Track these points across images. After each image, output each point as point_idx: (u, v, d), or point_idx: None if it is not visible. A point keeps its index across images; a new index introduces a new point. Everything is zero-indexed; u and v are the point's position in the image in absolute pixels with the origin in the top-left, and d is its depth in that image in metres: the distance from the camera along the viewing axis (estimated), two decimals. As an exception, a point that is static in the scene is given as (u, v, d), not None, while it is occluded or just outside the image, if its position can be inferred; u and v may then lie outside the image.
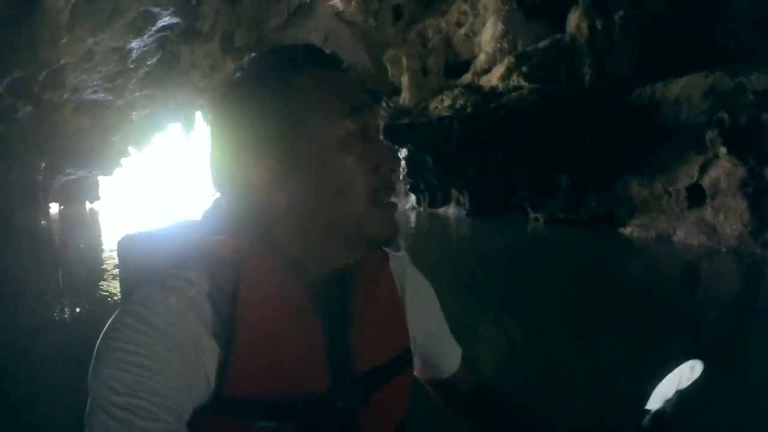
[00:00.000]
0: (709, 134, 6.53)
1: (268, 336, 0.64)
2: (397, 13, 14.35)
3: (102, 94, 8.70)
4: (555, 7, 11.45)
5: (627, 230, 7.92)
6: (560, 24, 11.48)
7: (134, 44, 9.22)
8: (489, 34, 12.39)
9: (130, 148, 11.07)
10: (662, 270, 6.30)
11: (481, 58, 12.36)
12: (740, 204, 6.23)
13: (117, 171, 11.03)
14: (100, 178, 10.80)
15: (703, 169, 6.92)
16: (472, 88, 11.84)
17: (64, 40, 7.53)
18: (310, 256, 0.68)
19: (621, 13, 10.59)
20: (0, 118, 7.48)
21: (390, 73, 13.44)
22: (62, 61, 8.01)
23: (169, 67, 10.19)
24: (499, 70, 11.60)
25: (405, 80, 13.31)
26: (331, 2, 12.43)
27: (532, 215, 9.59)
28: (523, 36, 11.89)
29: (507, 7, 12.07)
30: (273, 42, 11.81)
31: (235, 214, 0.69)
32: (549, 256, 7.23)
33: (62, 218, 9.76)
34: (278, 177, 0.65)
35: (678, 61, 8.80)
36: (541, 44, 11.37)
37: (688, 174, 7.14)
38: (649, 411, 0.78)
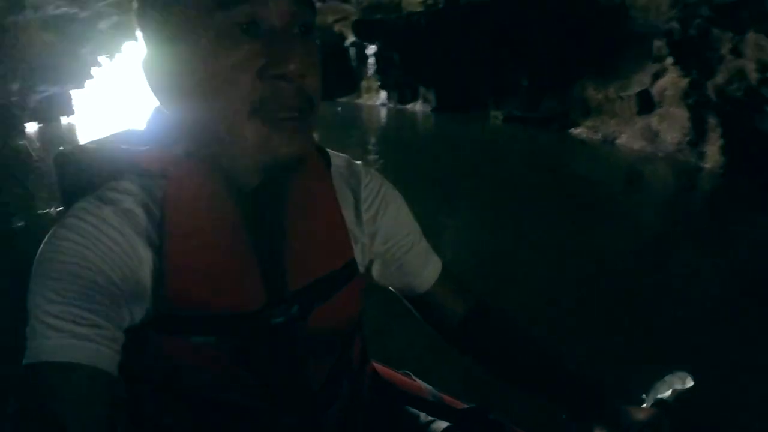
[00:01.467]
0: (657, 43, 6.84)
1: (198, 250, 0.63)
2: None
3: (65, 9, 8.51)
4: None
5: (577, 131, 8.37)
6: None
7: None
8: None
9: (101, 59, 10.96)
10: (605, 169, 6.96)
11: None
12: (682, 114, 6.67)
13: (89, 83, 10.99)
14: (73, 92, 10.77)
15: (655, 77, 7.25)
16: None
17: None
18: (227, 165, 0.64)
19: None
20: None
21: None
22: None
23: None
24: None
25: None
26: None
27: (492, 112, 10.02)
28: None
29: None
30: None
31: (166, 121, 0.67)
32: (503, 152, 7.98)
33: (41, 136, 9.95)
34: (159, 66, 0.62)
35: None
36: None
37: (640, 81, 7.47)
38: (647, 396, 0.81)
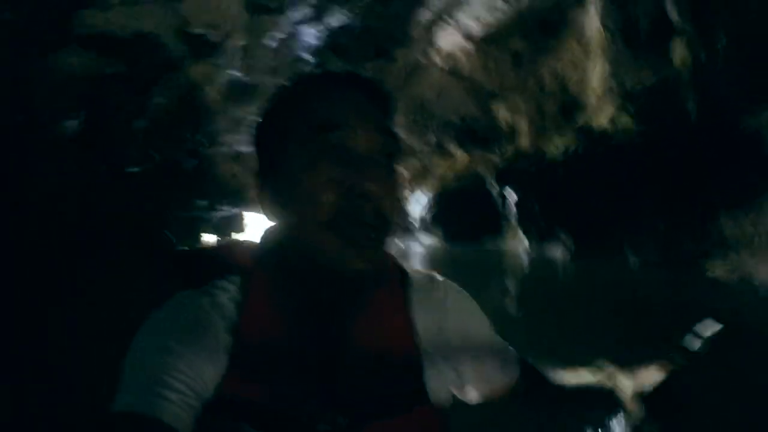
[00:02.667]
0: None
1: (264, 342, 0.67)
2: (516, 59, 15.01)
3: (243, 147, 10.94)
4: (663, 40, 11.28)
5: (715, 272, 7.71)
6: (669, 58, 11.26)
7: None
8: (598, 74, 12.53)
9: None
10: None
11: (593, 101, 12.53)
12: None
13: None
14: (246, 213, 12.98)
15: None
16: (584, 131, 12.04)
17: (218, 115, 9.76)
18: (305, 272, 0.70)
19: (723, 38, 10.12)
20: (172, 167, 9.73)
21: (503, 120, 14.04)
22: (216, 126, 10.29)
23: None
24: (608, 111, 11.71)
25: (521, 124, 13.84)
26: (444, 61, 13.60)
27: (631, 258, 9.56)
28: (630, 74, 11.87)
29: (614, 46, 12.16)
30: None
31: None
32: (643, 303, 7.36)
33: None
34: (264, 188, 0.74)
35: None
36: (648, 82, 11.29)
37: None
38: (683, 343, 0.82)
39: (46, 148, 5.77)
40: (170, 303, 0.69)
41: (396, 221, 0.70)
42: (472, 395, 0.86)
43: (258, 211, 13.11)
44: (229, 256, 0.74)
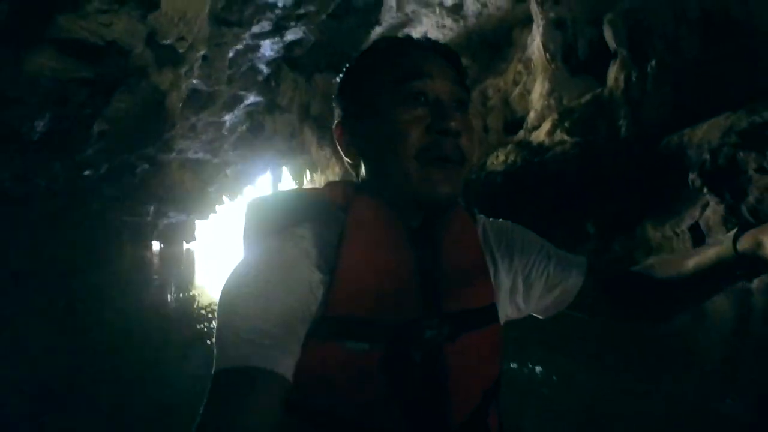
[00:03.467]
0: (691, 176, 7.28)
1: (366, 265, 0.75)
2: (462, 76, 15.79)
3: (201, 154, 11.01)
4: (599, 62, 12.35)
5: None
6: (604, 78, 12.32)
7: (227, 117, 11.55)
8: (538, 92, 13.50)
9: (224, 197, 13.41)
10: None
11: (531, 115, 13.46)
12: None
13: (212, 216, 13.28)
14: (198, 222, 13.01)
15: (703, 209, 7.60)
16: (523, 145, 12.90)
17: (177, 123, 9.87)
18: (397, 201, 0.78)
19: (653, 62, 11.22)
20: (126, 173, 9.71)
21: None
22: (172, 133, 10.32)
23: (257, 132, 12.48)
24: (546, 126, 12.63)
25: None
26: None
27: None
28: (568, 92, 12.87)
29: (553, 65, 13.16)
30: None
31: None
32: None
33: (162, 255, 11.83)
34: (351, 130, 0.82)
35: (715, 103, 9.00)
36: (583, 99, 12.29)
37: (691, 215, 7.81)
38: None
39: (11, 147, 5.90)
40: (257, 252, 0.75)
41: (472, 158, 0.79)
42: (541, 305, 0.92)
43: (206, 219, 13.15)
44: (329, 194, 0.83)
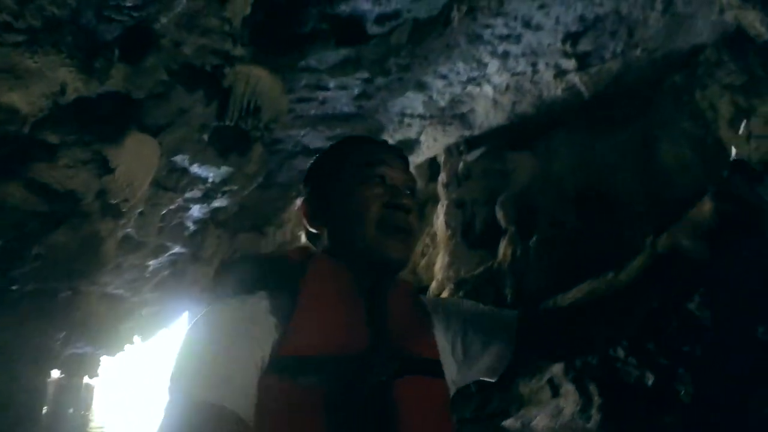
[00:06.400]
0: None
1: (320, 309, 0.92)
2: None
3: (121, 291, 12.48)
4: (493, 237, 14.82)
5: (508, 422, 10.28)
6: (496, 252, 14.68)
7: (151, 262, 13.20)
8: (440, 264, 16.00)
9: (136, 338, 14.58)
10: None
11: (433, 285, 15.82)
12: (572, 389, 8.80)
13: (120, 354, 14.33)
14: (104, 358, 14.00)
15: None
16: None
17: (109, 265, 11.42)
18: (354, 263, 0.99)
19: (535, 237, 13.66)
20: (48, 296, 10.92)
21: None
22: (100, 254, 11.76)
23: (178, 279, 14.14)
24: (444, 295, 14.90)
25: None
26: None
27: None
28: (465, 264, 15.37)
29: (453, 240, 15.81)
30: None
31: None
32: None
33: (57, 389, 12.40)
34: (315, 205, 1.09)
35: (587, 270, 10.98)
36: (477, 271, 14.72)
37: (549, 370, 9.62)
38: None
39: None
40: (217, 308, 0.91)
41: (417, 234, 1.07)
42: (483, 364, 1.11)
43: (113, 356, 14.21)
44: (290, 255, 1.05)
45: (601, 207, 12.73)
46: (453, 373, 1.06)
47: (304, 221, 1.12)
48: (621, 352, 8.29)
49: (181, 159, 9.48)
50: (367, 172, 1.06)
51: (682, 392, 7.73)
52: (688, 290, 8.08)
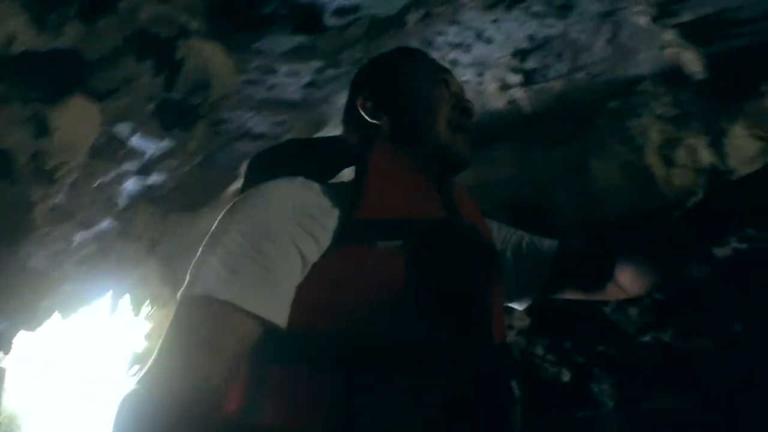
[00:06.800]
0: None
1: (393, 179, 0.99)
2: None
3: (43, 265, 12.07)
4: None
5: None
6: None
7: (77, 236, 12.87)
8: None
9: (56, 313, 14.07)
10: None
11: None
12: None
13: (39, 330, 13.81)
14: (22, 332, 13.48)
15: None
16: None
17: (36, 232, 11.04)
18: (421, 154, 1.09)
19: None
20: None
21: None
22: (27, 223, 11.37)
23: (104, 255, 13.77)
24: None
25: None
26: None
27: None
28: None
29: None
30: (190, 256, 15.87)
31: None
32: None
33: None
34: (378, 101, 1.19)
35: None
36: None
37: None
38: None
39: None
40: (265, 186, 0.87)
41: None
42: (522, 279, 1.21)
43: (31, 331, 13.67)
44: (350, 140, 1.10)
45: (533, 218, 13.33)
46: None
47: (363, 113, 1.18)
48: (540, 350, 8.75)
49: (122, 128, 9.31)
50: (437, 76, 1.20)
51: (596, 390, 8.22)
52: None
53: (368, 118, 1.18)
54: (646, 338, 8.17)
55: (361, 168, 0.97)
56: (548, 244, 1.26)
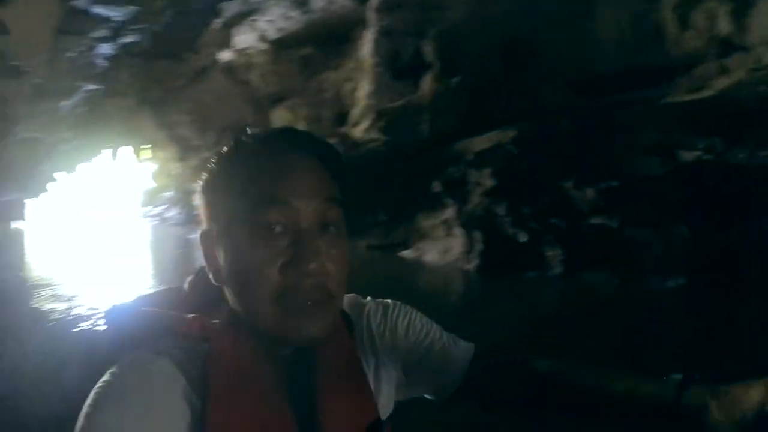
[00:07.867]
0: (434, 183, 10.56)
1: (241, 405, 0.72)
2: (304, 63, 18.26)
3: (37, 134, 12.45)
4: (418, 71, 15.30)
5: (405, 252, 11.77)
6: (416, 85, 15.08)
7: (64, 103, 12.97)
8: (363, 91, 16.39)
9: (56, 175, 14.81)
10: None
11: (356, 111, 16.34)
12: (460, 231, 10.15)
13: (43, 195, 14.70)
14: (28, 201, 14.37)
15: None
16: (345, 138, 15.71)
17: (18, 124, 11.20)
18: (262, 338, 0.75)
19: (458, 78, 14.22)
20: None
21: (281, 122, 17.27)
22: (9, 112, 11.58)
23: (96, 114, 14.02)
24: (364, 124, 15.55)
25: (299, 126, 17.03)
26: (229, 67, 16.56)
27: (358, 242, 12.86)
28: (388, 95, 15.83)
29: (379, 69, 16.05)
30: (180, 98, 16.19)
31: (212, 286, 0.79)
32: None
33: None
34: (216, 260, 0.77)
35: (498, 117, 11.93)
36: (398, 103, 15.29)
37: (447, 212, 10.97)
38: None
39: None
40: (120, 370, 0.71)
41: (340, 292, 0.78)
42: (423, 386, 0.96)
43: (37, 197, 14.65)
44: (172, 321, 0.78)
45: (526, 61, 13.13)
46: (397, 395, 0.96)
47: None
48: (502, 210, 9.49)
49: (81, 1, 9.15)
50: (258, 219, 0.75)
51: (549, 254, 9.10)
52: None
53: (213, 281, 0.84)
54: (596, 220, 8.86)
55: (204, 372, 0.79)
56: (458, 359, 0.99)
